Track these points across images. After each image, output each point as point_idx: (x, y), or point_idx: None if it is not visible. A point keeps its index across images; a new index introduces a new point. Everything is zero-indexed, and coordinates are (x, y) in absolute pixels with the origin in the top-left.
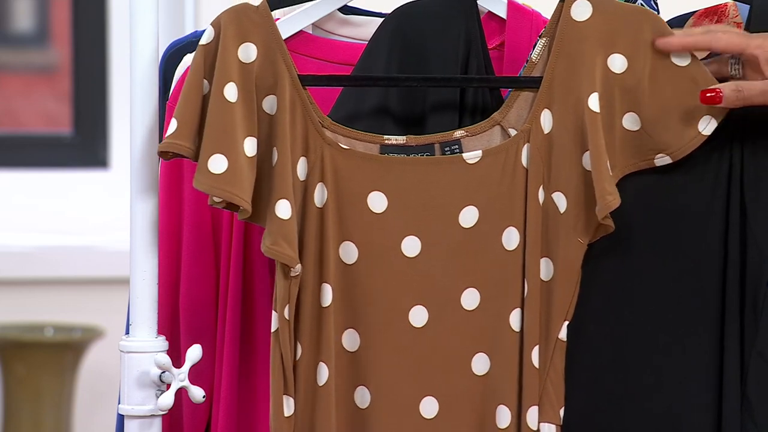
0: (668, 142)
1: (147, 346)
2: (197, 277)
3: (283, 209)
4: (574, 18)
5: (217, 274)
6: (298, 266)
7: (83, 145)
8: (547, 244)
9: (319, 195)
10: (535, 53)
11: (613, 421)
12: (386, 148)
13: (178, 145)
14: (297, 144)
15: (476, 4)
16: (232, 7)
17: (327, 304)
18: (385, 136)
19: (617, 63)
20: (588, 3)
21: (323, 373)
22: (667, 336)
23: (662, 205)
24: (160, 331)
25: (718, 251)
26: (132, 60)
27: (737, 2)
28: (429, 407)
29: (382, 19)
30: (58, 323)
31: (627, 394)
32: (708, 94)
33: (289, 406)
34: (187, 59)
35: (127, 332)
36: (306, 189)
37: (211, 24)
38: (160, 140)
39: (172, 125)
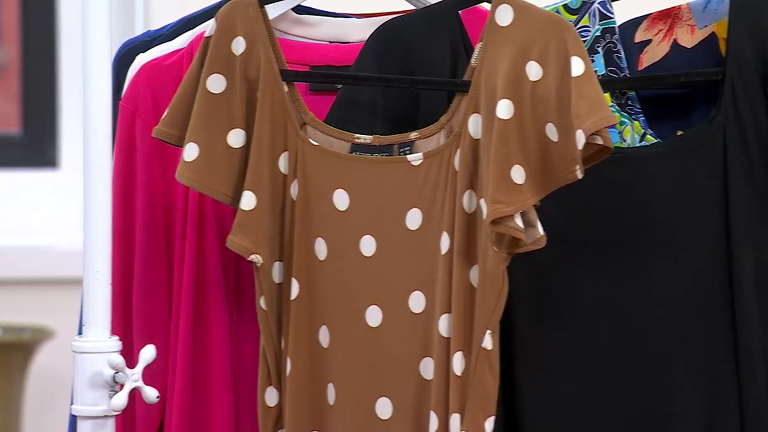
0: (575, 153)
1: (100, 346)
2: (150, 276)
3: (247, 201)
4: (498, 23)
5: (171, 273)
6: (256, 257)
7: (32, 145)
8: (476, 250)
9: (294, 190)
10: (474, 57)
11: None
12: (355, 147)
13: (162, 131)
14: (278, 138)
15: (458, 15)
16: (233, 0)
17: (293, 298)
18: (356, 135)
19: (533, 71)
20: (510, 8)
21: (288, 366)
22: (661, 339)
23: (651, 207)
24: (113, 332)
25: (711, 251)
26: (85, 60)
27: (692, 4)
28: (384, 408)
29: (336, 18)
30: (7, 324)
31: (614, 399)
32: None
33: (272, 397)
34: (140, 59)
35: (80, 332)
36: (285, 183)
37: (215, 17)
38: (113, 139)
39: (165, 112)
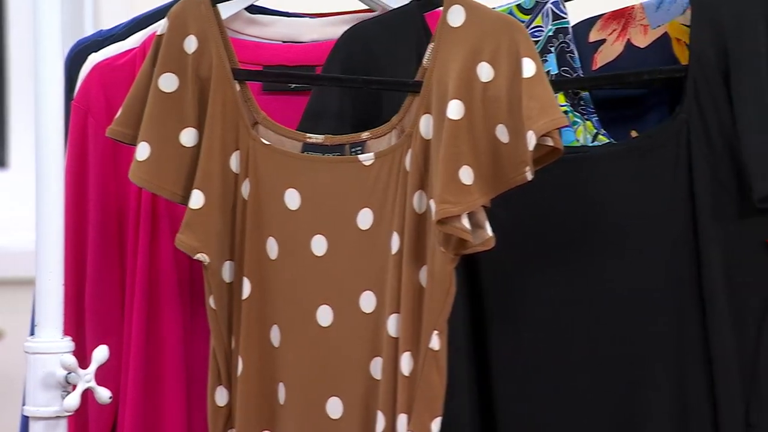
0: (526, 154)
1: (53, 347)
2: (103, 276)
3: (195, 199)
4: (449, 23)
5: (123, 273)
6: (202, 256)
7: None
8: (425, 251)
9: (245, 189)
10: (426, 57)
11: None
12: (307, 147)
13: (115, 130)
14: (229, 137)
15: (424, 18)
16: None
17: (244, 297)
18: (307, 135)
19: (484, 72)
20: (462, 9)
21: (239, 366)
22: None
23: (609, 206)
24: (65, 332)
25: (677, 249)
26: (36, 59)
27: (646, 4)
28: (334, 408)
29: (289, 18)
30: None
31: (575, 398)
32: None
33: (222, 396)
34: (93, 58)
35: (32, 333)
36: (237, 182)
37: (167, 15)
38: (66, 139)
39: (119, 112)
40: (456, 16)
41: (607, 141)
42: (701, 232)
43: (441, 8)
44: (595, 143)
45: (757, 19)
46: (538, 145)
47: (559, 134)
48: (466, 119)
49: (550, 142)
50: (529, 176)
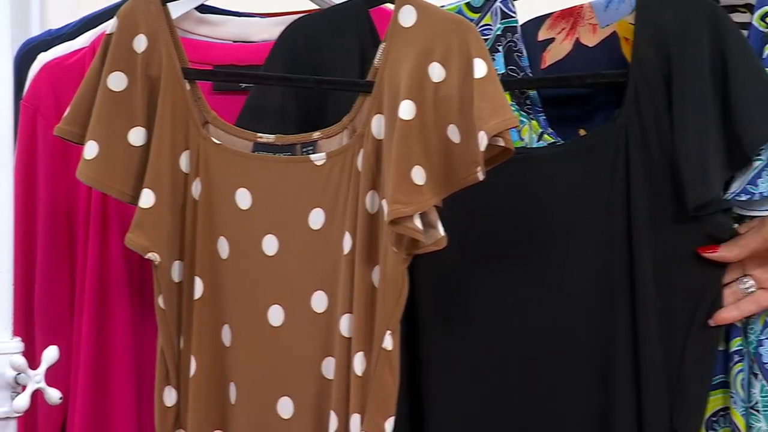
0: (477, 154)
1: (2, 347)
2: (53, 276)
3: (145, 198)
4: (401, 23)
5: (73, 273)
6: (153, 255)
7: None
8: (377, 251)
9: (196, 189)
10: (377, 57)
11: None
12: (258, 146)
13: (63, 129)
14: (179, 137)
15: (369, 14)
16: None
17: (197, 297)
18: (258, 134)
19: (436, 72)
20: (413, 9)
21: (192, 366)
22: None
23: (552, 207)
24: (15, 332)
25: (614, 251)
26: None
27: (594, 3)
28: (285, 407)
29: (240, 18)
30: None
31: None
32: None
33: (170, 396)
34: (42, 58)
35: None
36: (186, 182)
37: (116, 14)
38: (15, 139)
39: (67, 110)
40: (407, 16)
41: (553, 140)
42: (635, 237)
43: (386, 5)
44: (540, 143)
45: (700, 25)
46: (489, 145)
47: (509, 135)
48: (418, 119)
49: (501, 143)
50: (481, 176)
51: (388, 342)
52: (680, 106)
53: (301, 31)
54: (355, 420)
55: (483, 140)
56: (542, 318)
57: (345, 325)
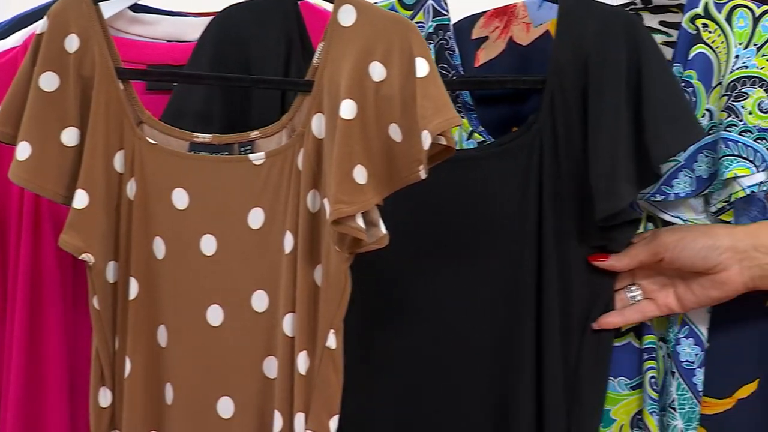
0: (420, 153)
1: None
2: None
3: (79, 199)
4: (340, 23)
5: (5, 273)
6: (87, 256)
7: None
8: (319, 250)
9: (131, 189)
10: (316, 57)
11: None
12: (194, 146)
13: None
14: (113, 137)
15: (297, 8)
16: None
17: (132, 298)
18: (194, 134)
19: (377, 71)
20: (353, 8)
21: (127, 367)
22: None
23: (475, 208)
24: None
25: (527, 255)
26: None
27: (528, 2)
28: (225, 407)
29: (174, 17)
30: None
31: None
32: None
33: (105, 397)
34: None
35: None
36: (121, 182)
37: (46, 14)
38: None
39: None
40: (347, 16)
41: (483, 139)
42: (544, 243)
43: (315, 4)
44: (470, 141)
45: (618, 37)
46: (430, 144)
47: (451, 133)
48: (359, 119)
49: (443, 141)
50: (423, 175)
51: (332, 341)
52: (594, 116)
53: (226, 23)
54: (299, 419)
55: (427, 139)
56: (454, 317)
57: (288, 324)
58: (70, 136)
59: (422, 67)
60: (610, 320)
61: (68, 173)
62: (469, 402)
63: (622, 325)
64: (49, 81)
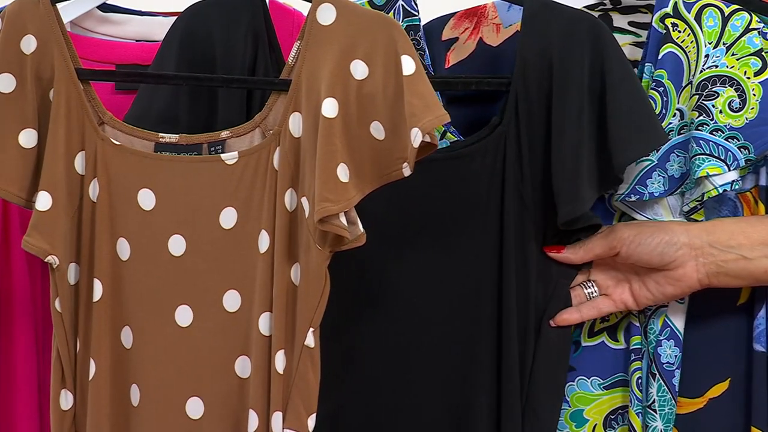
0: (404, 150)
1: None
2: None
3: (42, 201)
4: (319, 22)
5: None
6: (52, 258)
7: None
8: (297, 249)
9: (93, 190)
10: (291, 56)
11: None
12: (160, 146)
13: None
14: (74, 138)
15: (265, 5)
16: None
17: (96, 299)
18: (160, 134)
19: (359, 69)
20: (332, 7)
21: (92, 369)
22: (442, 334)
23: (438, 207)
24: None
25: (490, 258)
26: None
27: (498, 3)
28: (195, 408)
29: (142, 16)
30: None
31: (393, 390)
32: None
33: (67, 400)
34: None
35: None
36: (83, 184)
37: (0, 15)
38: None
39: None
40: (326, 15)
41: (455, 139)
42: (505, 245)
43: (284, 4)
44: (443, 141)
45: (583, 42)
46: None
47: (435, 131)
48: (341, 117)
49: (427, 138)
50: (407, 172)
51: (311, 339)
52: (558, 120)
53: (192, 21)
54: (277, 417)
55: (417, 137)
56: (418, 315)
57: (264, 323)
58: (28, 138)
59: (409, 65)
60: (566, 317)
61: (28, 176)
62: (429, 400)
63: (579, 321)
64: (5, 83)
